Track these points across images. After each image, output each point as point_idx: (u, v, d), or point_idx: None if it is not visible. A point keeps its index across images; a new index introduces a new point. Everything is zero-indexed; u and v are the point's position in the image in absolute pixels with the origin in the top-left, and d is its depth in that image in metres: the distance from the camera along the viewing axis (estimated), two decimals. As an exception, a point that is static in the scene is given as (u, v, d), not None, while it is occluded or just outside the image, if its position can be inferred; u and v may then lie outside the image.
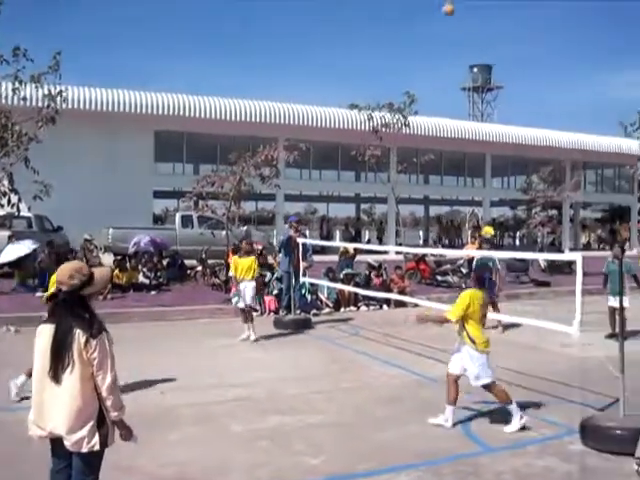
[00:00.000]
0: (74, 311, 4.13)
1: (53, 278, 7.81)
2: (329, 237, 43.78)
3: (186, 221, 25.19)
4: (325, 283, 16.59)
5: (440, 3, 20.00)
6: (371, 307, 17.07)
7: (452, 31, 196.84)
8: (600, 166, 47.35)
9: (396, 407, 8.08)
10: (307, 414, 7.74)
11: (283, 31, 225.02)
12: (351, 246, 20.25)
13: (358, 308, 16.96)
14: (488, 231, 33.31)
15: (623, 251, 12.72)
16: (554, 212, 45.79)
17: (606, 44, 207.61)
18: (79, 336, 4.06)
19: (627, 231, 47.46)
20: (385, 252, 27.25)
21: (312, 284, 16.55)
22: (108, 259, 21.58)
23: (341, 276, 17.79)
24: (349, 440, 6.92)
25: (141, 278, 18.97)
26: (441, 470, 6.08)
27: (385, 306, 17.15)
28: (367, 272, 18.51)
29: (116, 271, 18.41)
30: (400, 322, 14.56)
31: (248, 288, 12.84)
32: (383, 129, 24.44)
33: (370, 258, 19.82)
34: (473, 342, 7.21)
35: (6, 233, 19.91)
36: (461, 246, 36.91)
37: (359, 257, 19.99)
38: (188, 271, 21.42)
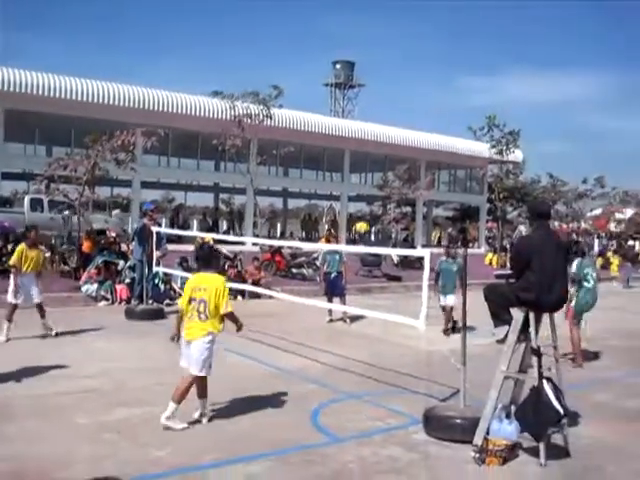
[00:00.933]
0: None
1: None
2: (185, 226, 43.16)
3: (35, 204, 24.21)
4: (179, 273, 16.36)
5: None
6: (235, 297, 16.97)
7: (317, 27, 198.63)
8: (453, 167, 49.17)
9: (247, 398, 8.07)
10: (155, 406, 7.57)
11: (155, 15, 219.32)
12: (208, 236, 20.04)
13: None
14: (362, 227, 33.76)
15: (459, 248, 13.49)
16: (408, 209, 47.29)
17: (461, 50, 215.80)
18: None
19: (476, 230, 49.63)
20: (242, 243, 27.18)
21: (165, 274, 16.30)
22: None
23: (195, 266, 17.58)
24: (198, 431, 6.86)
25: (-17, 263, 17.90)
26: (289, 460, 6.14)
27: (239, 297, 17.11)
28: (221, 262, 18.41)
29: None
30: (252, 314, 14.59)
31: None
32: (246, 119, 24.37)
33: (225, 249, 19.72)
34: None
35: None
36: (318, 239, 37.39)
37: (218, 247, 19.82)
38: None
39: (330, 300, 14.35)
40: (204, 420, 7.17)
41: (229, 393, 8.25)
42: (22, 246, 11.54)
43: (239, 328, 7.54)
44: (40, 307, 11.60)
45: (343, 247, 26.17)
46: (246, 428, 7.01)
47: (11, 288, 11.34)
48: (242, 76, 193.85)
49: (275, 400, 8.03)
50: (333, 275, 14.55)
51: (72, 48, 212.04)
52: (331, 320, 14.29)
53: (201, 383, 7.25)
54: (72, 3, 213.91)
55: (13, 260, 11.45)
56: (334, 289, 14.56)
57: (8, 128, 31.34)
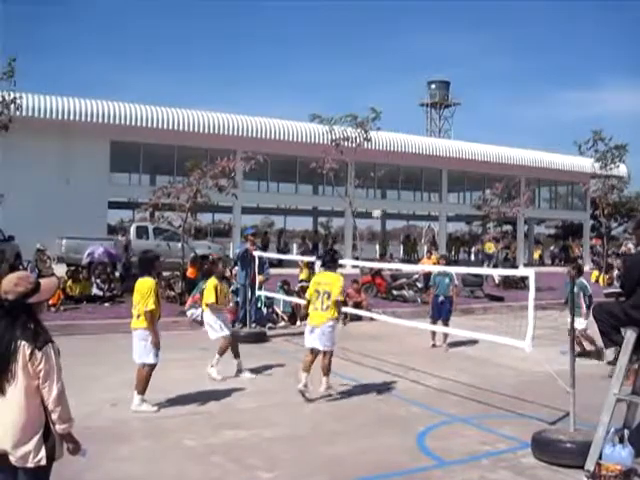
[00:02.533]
0: (19, 321, 4.03)
1: None
2: (285, 250, 43.68)
3: (141, 232, 24.96)
4: (281, 296, 16.55)
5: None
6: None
7: (410, 48, 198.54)
8: (554, 183, 48.09)
9: (351, 421, 8.08)
10: (261, 428, 7.70)
11: (243, 44, 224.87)
12: (307, 259, 20.21)
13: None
14: (490, 247, 33.44)
15: (579, 271, 12.86)
16: (508, 227, 46.47)
17: (558, 63, 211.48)
18: (24, 348, 3.97)
19: (579, 248, 48.24)
20: (342, 265, 27.26)
21: (268, 297, 16.51)
22: (61, 270, 21.26)
23: (296, 289, 17.77)
24: (303, 454, 6.90)
25: (94, 290, 18.66)
26: (395, 484, 6.11)
27: (341, 320, 17.14)
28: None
29: (69, 282, 18.17)
30: (354, 336, 14.61)
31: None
32: (343, 143, 24.52)
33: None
34: None
35: None
36: (417, 261, 37.11)
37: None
38: None
39: (434, 323, 14.03)
40: (331, 392, 9.07)
41: (332, 416, 8.28)
42: (214, 280, 10.97)
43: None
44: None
45: (441, 267, 25.95)
46: (350, 451, 7.00)
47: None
48: (338, 98, 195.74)
49: (379, 423, 8.00)
50: (441, 299, 14.06)
51: (175, 82, 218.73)
52: (434, 345, 13.97)
53: (325, 358, 9.30)
54: (174, 41, 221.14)
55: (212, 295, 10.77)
56: (440, 313, 14.03)
57: (114, 159, 32.60)
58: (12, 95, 15.81)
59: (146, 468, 6.44)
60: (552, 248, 49.71)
